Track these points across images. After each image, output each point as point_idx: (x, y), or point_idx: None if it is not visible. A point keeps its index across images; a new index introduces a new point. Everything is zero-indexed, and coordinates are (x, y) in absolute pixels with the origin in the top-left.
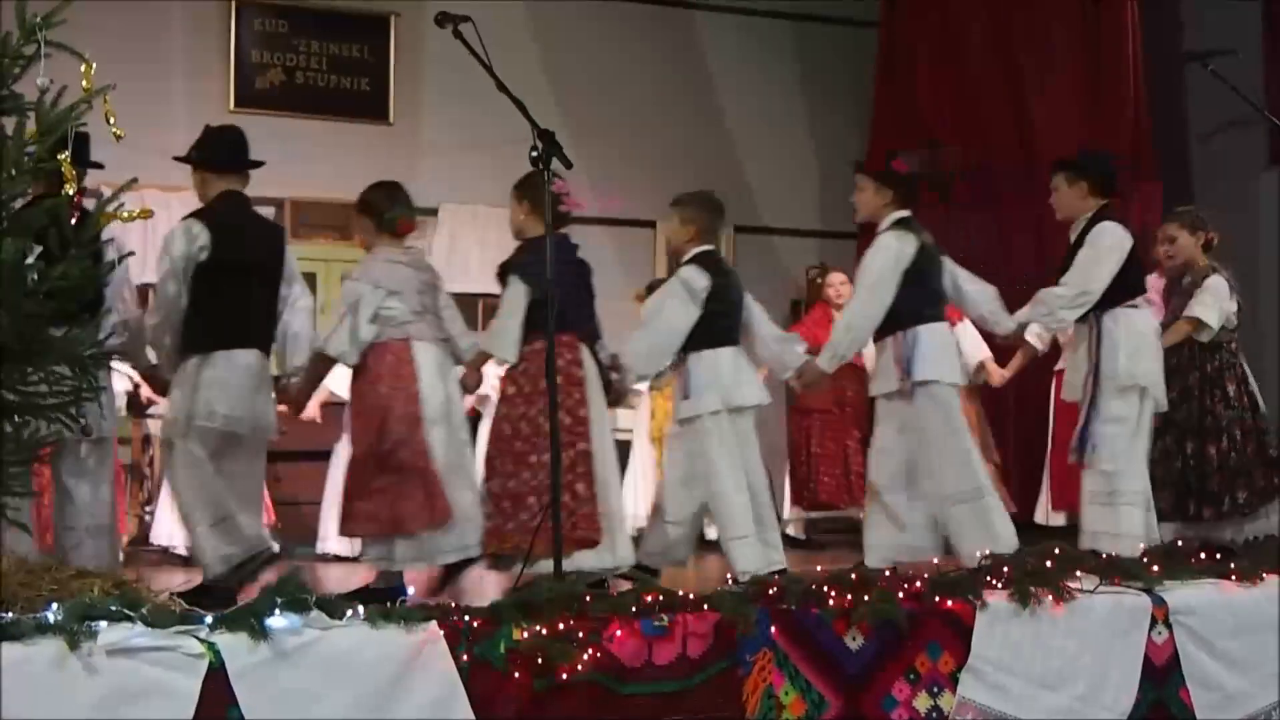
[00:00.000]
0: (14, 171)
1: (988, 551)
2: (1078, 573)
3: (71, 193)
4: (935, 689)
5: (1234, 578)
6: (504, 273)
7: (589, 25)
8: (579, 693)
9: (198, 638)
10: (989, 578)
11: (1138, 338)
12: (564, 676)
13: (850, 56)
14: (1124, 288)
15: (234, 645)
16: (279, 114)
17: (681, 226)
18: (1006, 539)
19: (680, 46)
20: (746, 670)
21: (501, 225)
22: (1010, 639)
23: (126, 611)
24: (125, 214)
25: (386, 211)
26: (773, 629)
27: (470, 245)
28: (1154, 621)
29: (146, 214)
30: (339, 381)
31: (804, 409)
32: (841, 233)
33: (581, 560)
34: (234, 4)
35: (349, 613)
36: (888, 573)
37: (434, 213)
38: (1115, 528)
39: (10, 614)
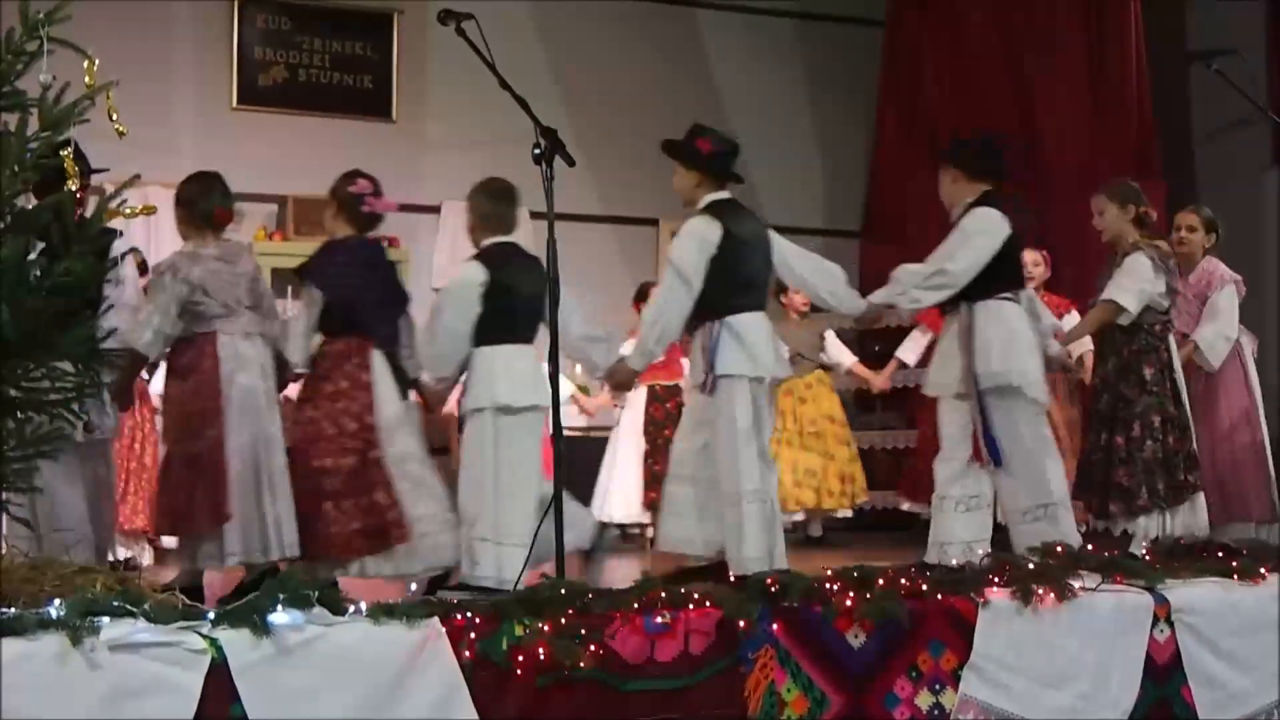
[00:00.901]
0: (16, 168)
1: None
2: (1080, 571)
3: (74, 189)
4: (937, 686)
5: (1236, 576)
6: (299, 275)
7: (592, 23)
8: (581, 690)
9: (200, 634)
10: (991, 576)
11: (1008, 333)
12: (566, 673)
13: (854, 55)
14: (998, 278)
15: (236, 641)
16: (282, 111)
17: (469, 218)
18: (754, 551)
19: (683, 44)
20: (749, 668)
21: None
22: (1012, 637)
23: (129, 607)
24: (128, 210)
25: (200, 203)
26: (775, 626)
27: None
28: (1156, 620)
29: (150, 210)
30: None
31: None
32: (846, 231)
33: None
34: (237, 1)
35: (351, 609)
36: (890, 570)
37: (436, 210)
38: (943, 535)
39: (13, 609)
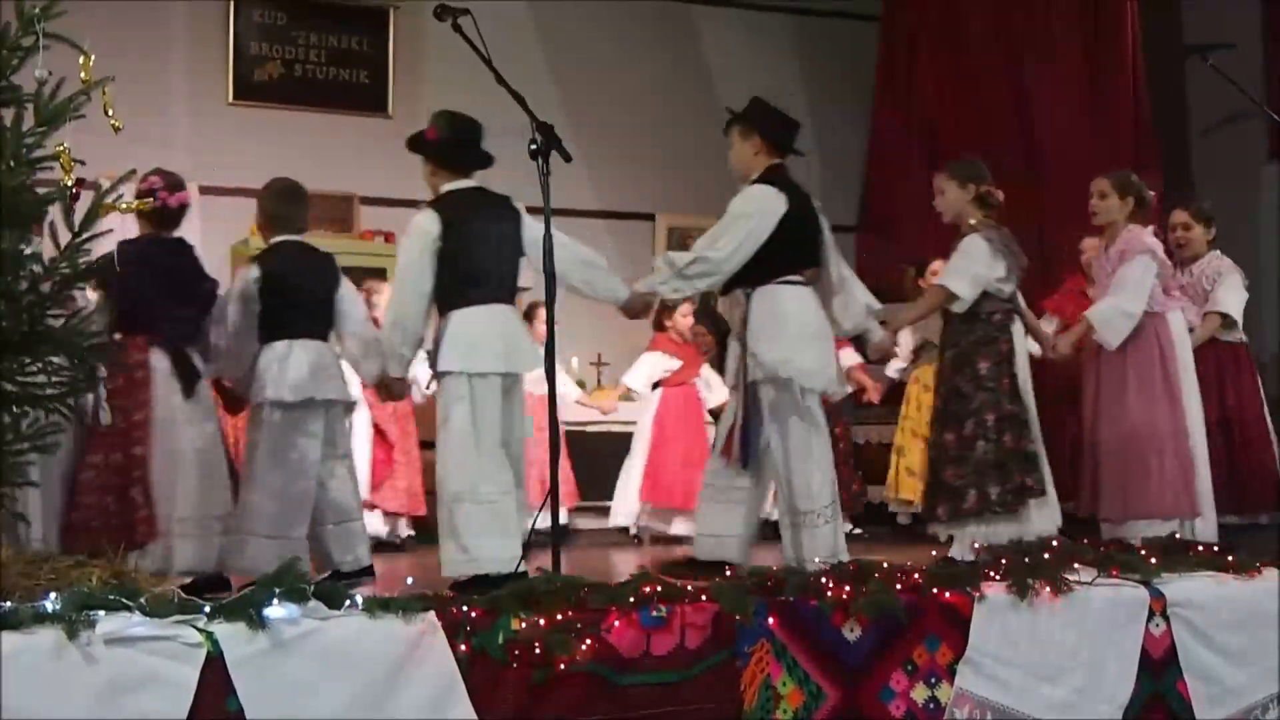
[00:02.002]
0: (13, 163)
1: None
2: (1076, 565)
3: (70, 184)
4: (933, 680)
5: (1232, 571)
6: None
7: (588, 18)
8: (577, 683)
9: (196, 627)
10: (987, 570)
11: (782, 320)
12: (562, 667)
13: (851, 51)
14: (778, 262)
15: (232, 635)
16: (277, 106)
17: (257, 217)
18: (456, 554)
19: (680, 40)
20: (744, 661)
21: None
22: (1008, 631)
23: (125, 601)
24: (124, 205)
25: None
26: (771, 620)
27: None
28: (1152, 614)
29: (144, 205)
30: None
31: None
32: (840, 226)
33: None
34: None
35: (347, 603)
36: (886, 564)
37: None
38: (802, 551)
39: (9, 603)
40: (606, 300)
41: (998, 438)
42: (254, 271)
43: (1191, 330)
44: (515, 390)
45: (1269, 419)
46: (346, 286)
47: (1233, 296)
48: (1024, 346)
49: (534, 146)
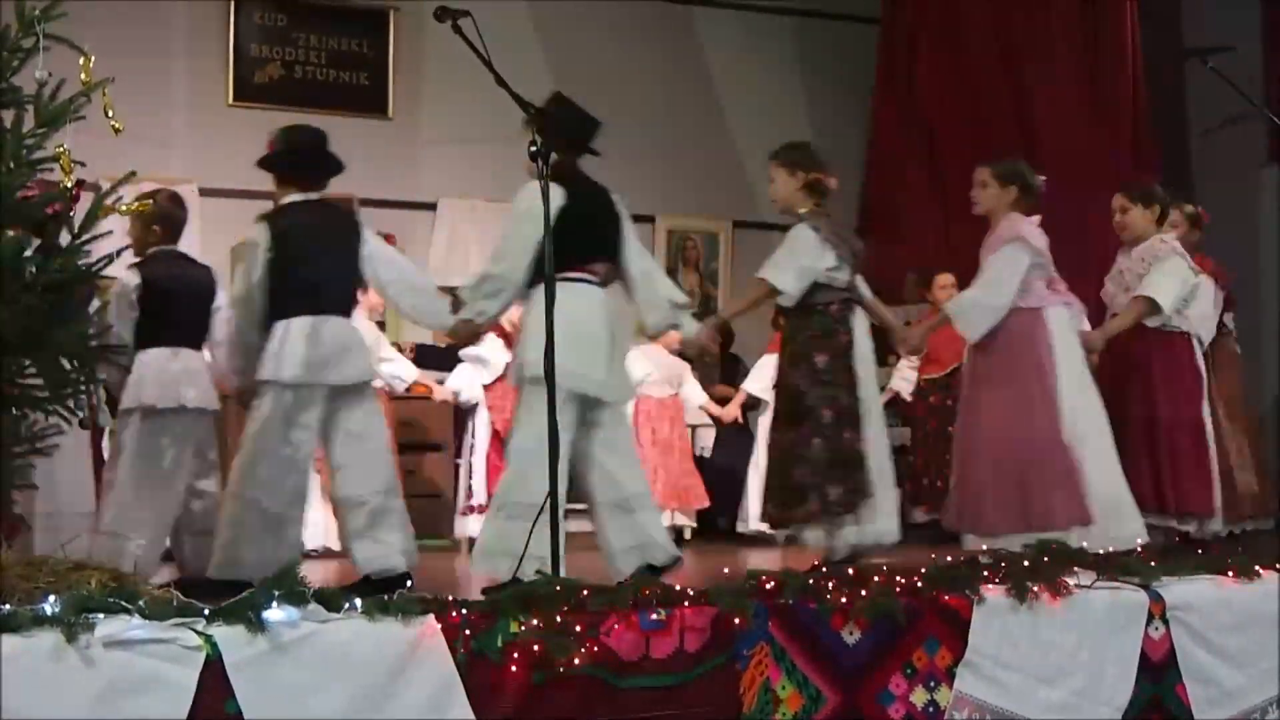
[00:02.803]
0: (13, 165)
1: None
2: (1075, 568)
3: (70, 185)
4: (932, 683)
5: (1231, 574)
6: None
7: (588, 20)
8: (576, 686)
9: (195, 630)
10: (986, 573)
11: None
12: (561, 670)
13: (850, 52)
14: (557, 258)
15: (231, 638)
16: (278, 108)
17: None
18: (223, 556)
19: (680, 42)
20: (744, 664)
21: (501, 220)
22: (1007, 634)
23: (124, 604)
24: (123, 206)
25: None
26: (770, 623)
27: (469, 240)
28: (1151, 617)
29: (145, 207)
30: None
31: None
32: None
33: None
34: None
35: (346, 606)
36: (885, 567)
37: (433, 207)
38: (496, 545)
39: (8, 606)
40: (434, 327)
41: (836, 435)
42: (134, 279)
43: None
44: (354, 400)
45: (1212, 418)
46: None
47: (1165, 282)
48: (865, 338)
49: (534, 148)
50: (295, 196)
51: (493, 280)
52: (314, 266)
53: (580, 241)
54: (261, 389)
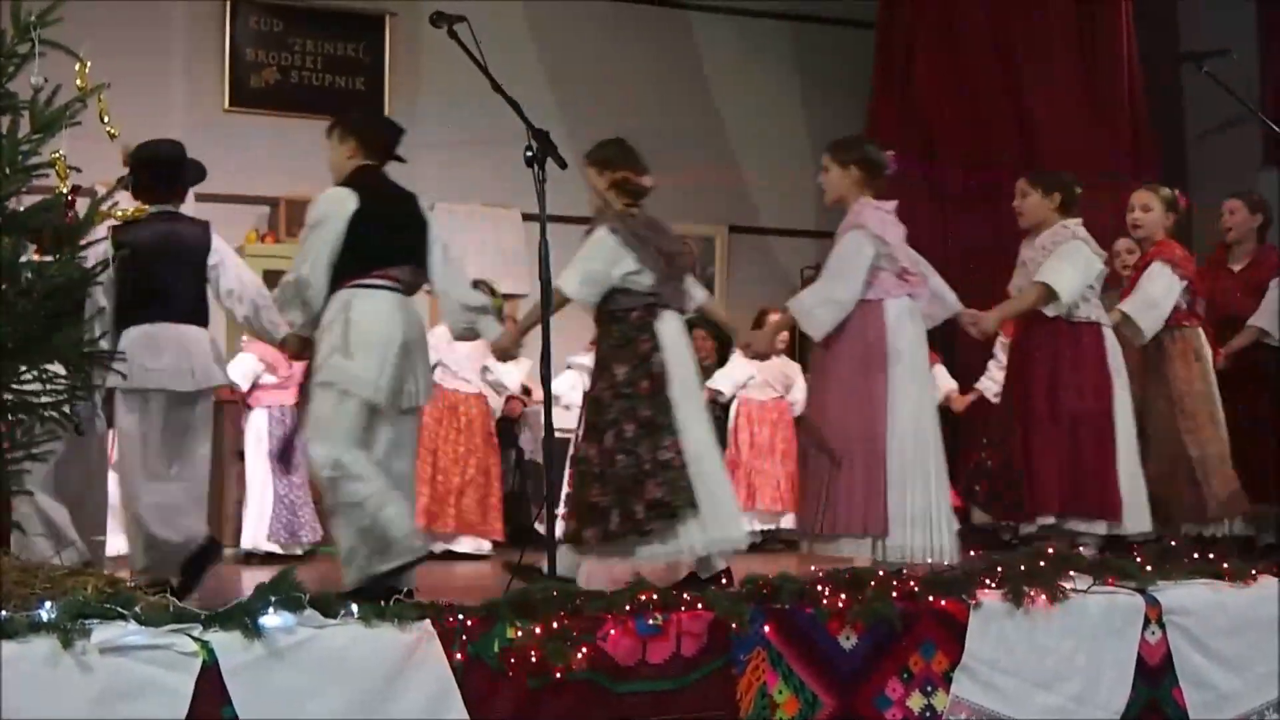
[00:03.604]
0: (9, 170)
1: None
2: (1071, 572)
3: (65, 191)
4: (929, 688)
5: (1227, 578)
6: None
7: (585, 25)
8: (573, 691)
9: (191, 636)
10: (982, 577)
11: (341, 325)
12: (558, 675)
13: (847, 56)
14: (352, 264)
15: (227, 643)
16: (274, 113)
17: None
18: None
19: (677, 46)
20: (740, 669)
21: (497, 225)
22: (1004, 638)
23: (120, 610)
24: (119, 212)
25: None
26: (767, 628)
27: (466, 245)
28: (1147, 621)
29: (140, 213)
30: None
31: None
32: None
33: None
34: (229, 3)
35: (343, 611)
36: (881, 572)
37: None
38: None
39: (4, 612)
40: (267, 339)
41: (639, 449)
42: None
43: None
44: (189, 406)
45: (1121, 416)
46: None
47: (1064, 268)
48: (678, 343)
49: (529, 154)
50: (154, 209)
51: (290, 287)
52: (156, 277)
53: (376, 247)
54: (118, 395)
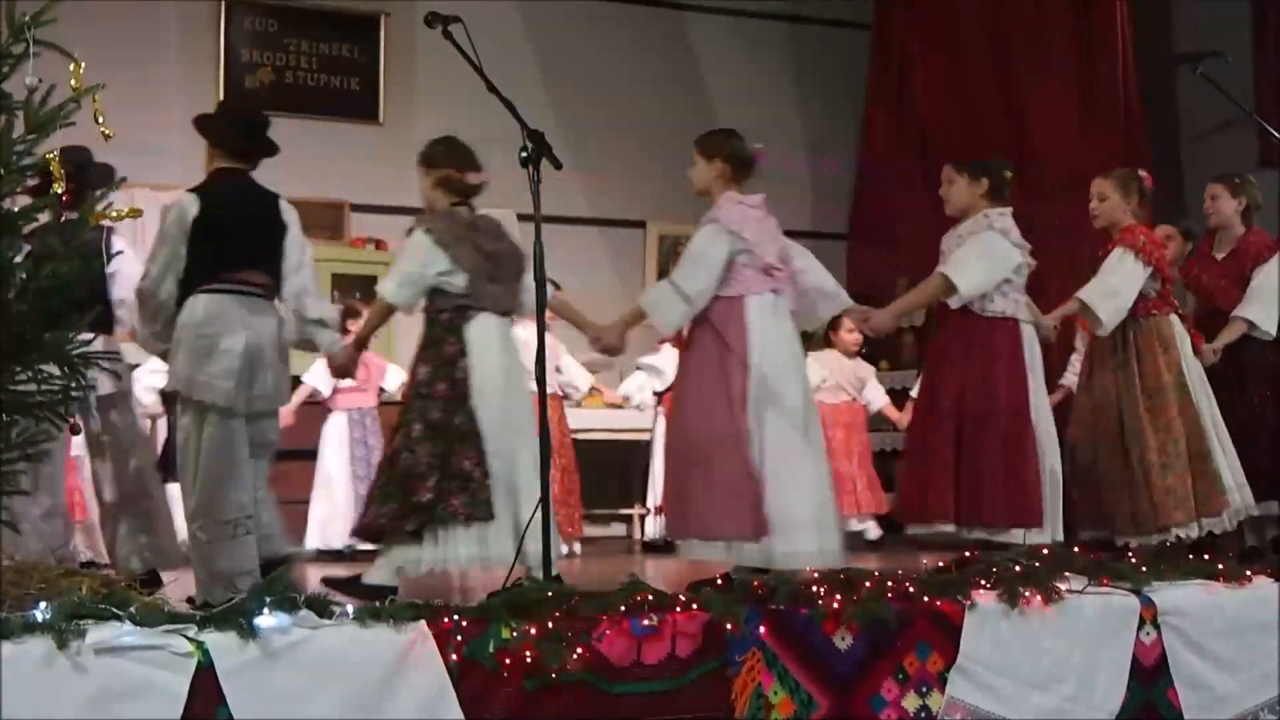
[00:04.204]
0: (3, 171)
1: None
2: (1066, 573)
3: (59, 191)
4: (924, 689)
5: (1222, 579)
6: None
7: (580, 26)
8: (568, 692)
9: (186, 636)
10: (978, 578)
11: (184, 328)
12: (553, 676)
13: (842, 57)
14: (197, 268)
15: (223, 644)
16: (268, 113)
17: None
18: None
19: (671, 46)
20: (735, 670)
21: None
22: (999, 639)
23: (115, 610)
24: (114, 213)
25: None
26: (762, 629)
27: None
28: (1142, 622)
29: (136, 213)
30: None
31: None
32: (833, 234)
33: None
34: (224, 3)
35: (338, 612)
36: (876, 572)
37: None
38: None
39: None
40: (151, 349)
41: (415, 450)
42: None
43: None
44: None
45: (1037, 414)
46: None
47: (969, 260)
48: (495, 346)
49: (525, 154)
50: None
51: (142, 296)
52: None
53: (220, 252)
54: None
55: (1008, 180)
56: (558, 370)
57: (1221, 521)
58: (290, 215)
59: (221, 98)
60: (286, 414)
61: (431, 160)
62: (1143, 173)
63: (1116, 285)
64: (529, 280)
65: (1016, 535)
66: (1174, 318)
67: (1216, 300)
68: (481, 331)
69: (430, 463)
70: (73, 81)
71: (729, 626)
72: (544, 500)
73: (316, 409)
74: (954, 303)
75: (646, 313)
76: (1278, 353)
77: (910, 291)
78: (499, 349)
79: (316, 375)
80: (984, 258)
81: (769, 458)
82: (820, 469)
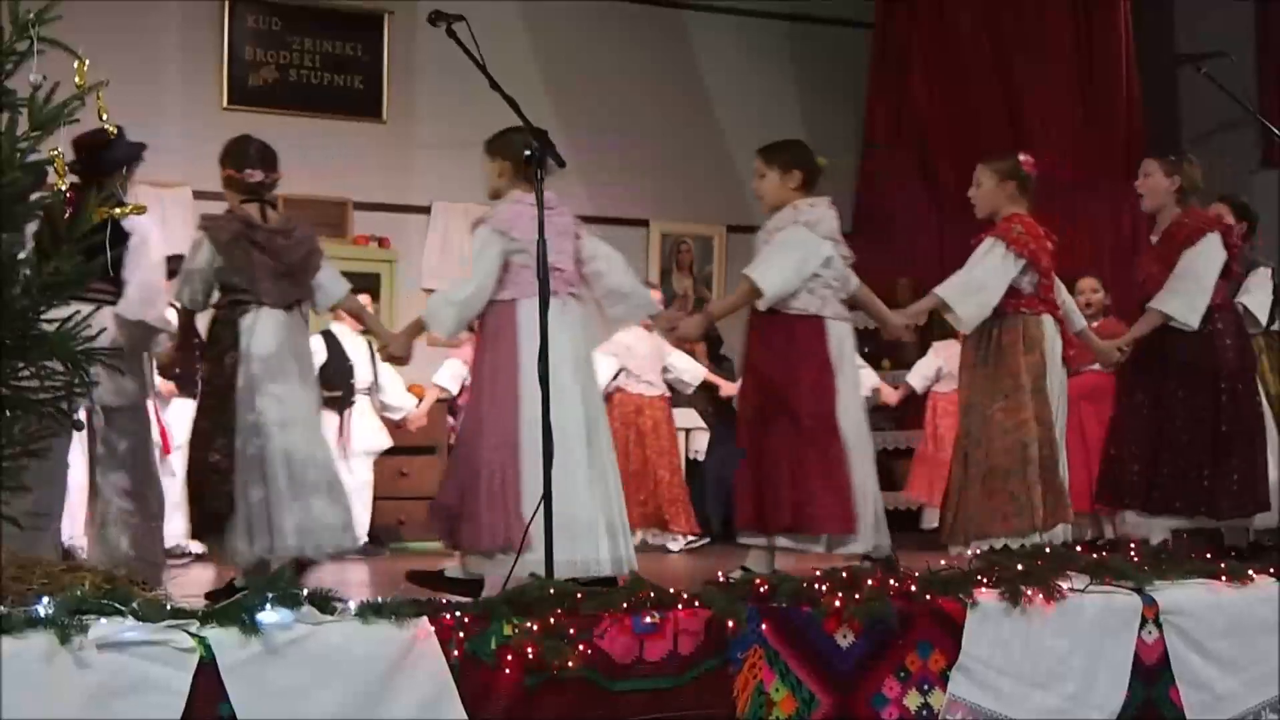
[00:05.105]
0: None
1: None
2: (1068, 572)
3: (64, 188)
4: (926, 687)
5: (1224, 578)
6: None
7: (583, 24)
8: (570, 689)
9: (188, 632)
10: (980, 576)
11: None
12: (555, 673)
13: (844, 56)
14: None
15: (225, 640)
16: (272, 112)
17: None
18: None
19: (674, 46)
20: (737, 668)
21: None
22: (1001, 638)
23: (117, 606)
24: (119, 209)
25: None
26: (763, 626)
27: (463, 243)
28: (1144, 621)
29: (139, 209)
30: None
31: None
32: None
33: None
34: (228, 1)
35: (340, 608)
36: (878, 571)
37: (427, 211)
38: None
39: (1, 608)
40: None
41: (194, 448)
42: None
43: None
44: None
45: (845, 416)
46: None
47: (773, 259)
48: (271, 341)
49: (528, 153)
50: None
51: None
52: None
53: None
54: None
55: (820, 170)
56: (665, 369)
57: (1062, 534)
58: (131, 228)
59: (225, 96)
60: (419, 415)
61: (220, 160)
62: (1024, 157)
63: (980, 279)
64: (323, 276)
65: (819, 545)
66: (1047, 318)
67: (1148, 289)
68: (260, 326)
69: (204, 461)
70: (77, 79)
71: (731, 624)
72: (546, 498)
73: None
74: (761, 305)
75: (426, 320)
76: (1202, 349)
77: (724, 298)
78: (283, 342)
79: (444, 376)
80: (788, 255)
81: (562, 464)
82: (606, 476)
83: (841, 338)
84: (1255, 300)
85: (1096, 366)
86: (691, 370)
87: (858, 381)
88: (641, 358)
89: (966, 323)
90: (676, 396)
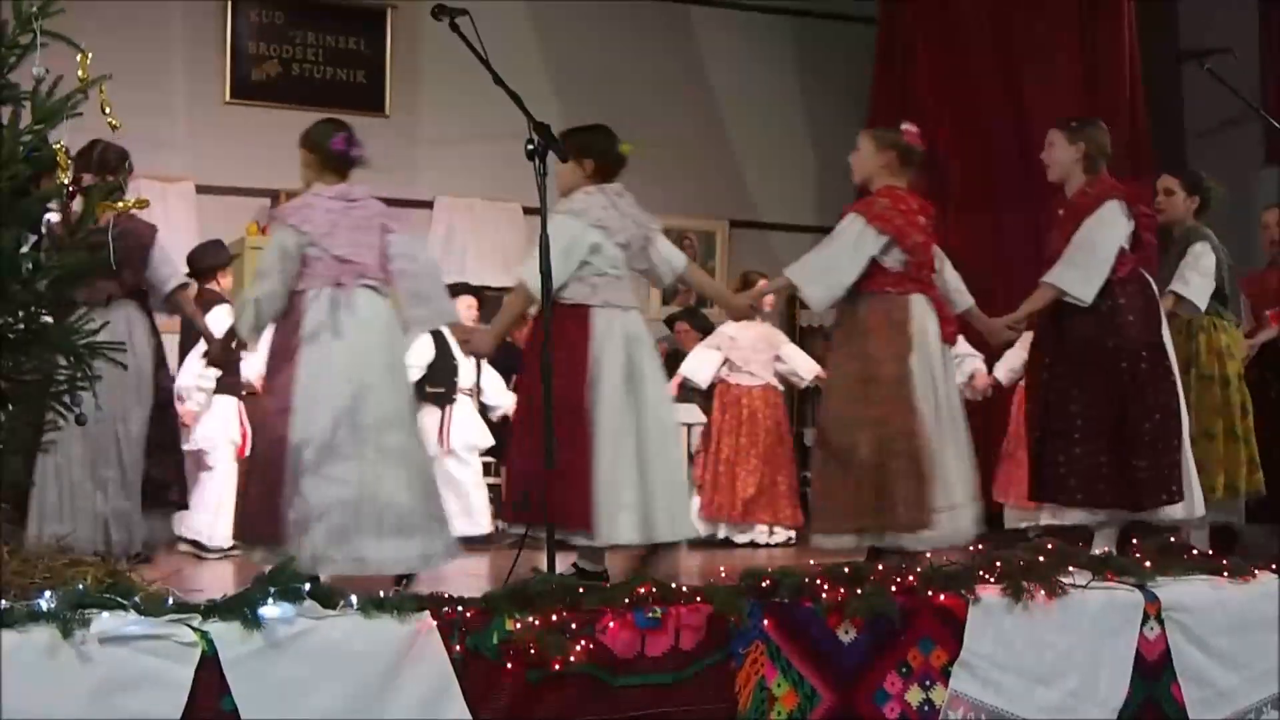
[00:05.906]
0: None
1: None
2: (1070, 568)
3: (66, 182)
4: (927, 683)
5: (1226, 574)
6: None
7: (586, 19)
8: (572, 684)
9: (191, 626)
10: (982, 572)
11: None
12: (557, 668)
13: (848, 52)
14: None
15: (227, 634)
16: (275, 106)
17: None
18: None
19: (678, 41)
20: (739, 663)
21: (498, 218)
22: (1003, 634)
23: (120, 600)
24: (121, 204)
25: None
26: (765, 622)
27: (466, 238)
28: (1146, 617)
29: (142, 204)
30: None
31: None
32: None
33: None
34: None
35: (342, 603)
36: (880, 566)
37: (430, 205)
38: None
39: (4, 602)
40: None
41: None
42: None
43: None
44: None
45: (600, 409)
46: None
47: (536, 253)
48: (142, 339)
49: (531, 147)
50: None
51: None
52: None
53: None
54: None
55: (619, 158)
56: (778, 360)
57: (915, 541)
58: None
59: (227, 90)
60: None
61: (94, 164)
62: (908, 127)
63: (831, 258)
64: (153, 272)
65: (579, 539)
66: (917, 297)
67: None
68: (115, 315)
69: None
70: (80, 72)
71: (732, 619)
72: (545, 496)
73: None
74: (530, 303)
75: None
76: (1101, 325)
77: (507, 301)
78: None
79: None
80: (553, 246)
81: (307, 457)
82: (400, 470)
83: (604, 327)
84: (1191, 286)
85: None
86: (806, 365)
87: (617, 374)
88: (745, 349)
89: (815, 305)
90: (681, 393)
